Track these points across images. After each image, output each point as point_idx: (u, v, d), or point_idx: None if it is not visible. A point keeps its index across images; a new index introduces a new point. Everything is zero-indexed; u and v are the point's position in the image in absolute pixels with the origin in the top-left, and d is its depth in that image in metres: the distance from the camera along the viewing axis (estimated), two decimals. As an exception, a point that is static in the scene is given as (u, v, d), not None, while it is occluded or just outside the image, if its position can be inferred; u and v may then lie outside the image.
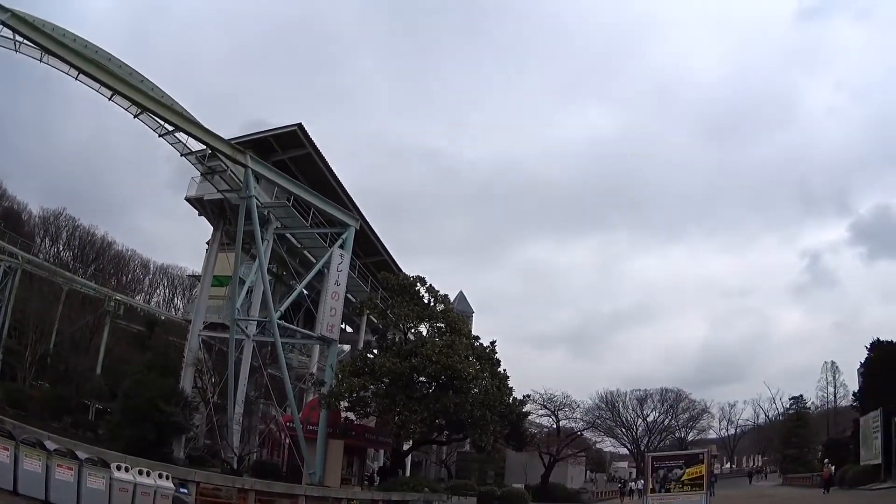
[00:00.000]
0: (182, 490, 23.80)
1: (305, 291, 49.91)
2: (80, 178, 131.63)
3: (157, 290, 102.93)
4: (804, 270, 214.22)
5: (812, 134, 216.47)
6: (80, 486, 19.96)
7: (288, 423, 45.65)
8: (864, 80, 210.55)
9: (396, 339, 46.07)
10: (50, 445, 20.41)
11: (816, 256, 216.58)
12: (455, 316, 47.75)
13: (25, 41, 35.18)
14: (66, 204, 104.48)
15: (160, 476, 22.60)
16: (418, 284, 46.94)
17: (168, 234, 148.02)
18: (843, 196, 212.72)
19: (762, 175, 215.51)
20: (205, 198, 48.99)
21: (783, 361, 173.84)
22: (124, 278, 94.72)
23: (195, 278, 68.77)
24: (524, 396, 53.54)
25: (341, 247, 46.13)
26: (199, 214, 50.89)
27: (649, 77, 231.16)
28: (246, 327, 45.78)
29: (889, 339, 60.48)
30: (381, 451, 58.69)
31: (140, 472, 21.87)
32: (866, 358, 62.81)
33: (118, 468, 21.31)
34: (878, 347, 61.18)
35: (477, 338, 48.60)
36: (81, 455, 20.88)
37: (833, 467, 59.93)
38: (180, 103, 42.66)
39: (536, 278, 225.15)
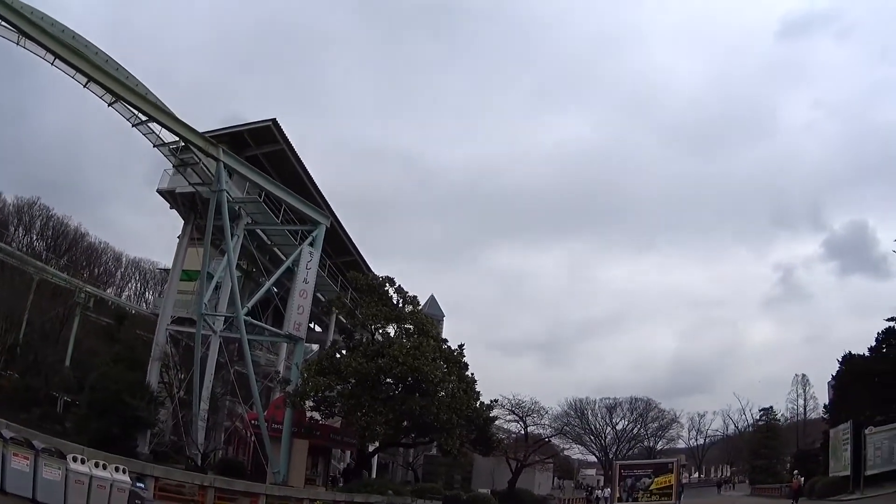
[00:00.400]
0: (139, 485, 23.47)
1: (275, 289, 49.48)
2: (55, 169, 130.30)
3: (129, 284, 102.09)
4: (777, 283, 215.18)
5: (789, 149, 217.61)
6: (35, 477, 19.68)
7: (253, 422, 45.38)
8: (842, 98, 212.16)
9: (364, 340, 45.90)
10: (6, 433, 20.12)
11: (789, 270, 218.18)
12: (423, 318, 47.58)
13: (2, 22, 34.68)
14: (40, 194, 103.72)
15: (116, 469, 22.29)
16: (387, 285, 46.77)
17: (142, 228, 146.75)
18: (817, 211, 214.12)
19: (737, 188, 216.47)
20: (176, 191, 48.55)
21: (753, 373, 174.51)
22: (96, 270, 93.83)
23: (166, 272, 68.29)
24: (491, 401, 53.50)
25: (311, 244, 45.83)
26: (171, 207, 50.50)
27: (628, 87, 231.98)
28: (213, 323, 45.33)
29: (861, 353, 60.76)
30: (348, 452, 58.39)
31: (97, 465, 21.57)
32: (838, 371, 63.10)
33: (74, 460, 21.01)
34: (849, 360, 61.44)
35: (445, 341, 48.49)
36: (38, 445, 20.58)
37: (802, 478, 60.19)
38: (157, 96, 42.20)
39: (508, 284, 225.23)
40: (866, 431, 50.32)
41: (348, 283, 50.90)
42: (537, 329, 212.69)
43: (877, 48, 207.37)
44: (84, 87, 38.02)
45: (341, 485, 48.73)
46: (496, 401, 57.69)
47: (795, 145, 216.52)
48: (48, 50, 35.05)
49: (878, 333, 59.17)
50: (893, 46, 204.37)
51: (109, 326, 67.79)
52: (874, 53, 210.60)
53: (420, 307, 49.17)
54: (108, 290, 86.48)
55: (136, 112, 40.55)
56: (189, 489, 27.98)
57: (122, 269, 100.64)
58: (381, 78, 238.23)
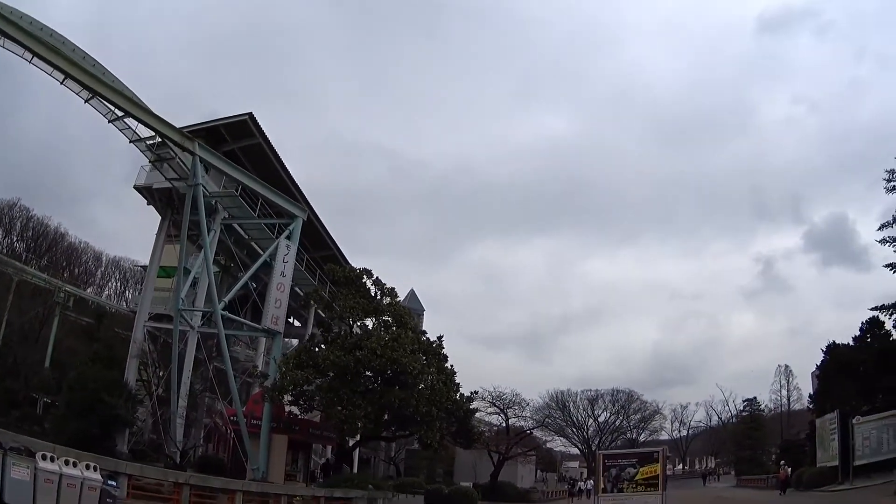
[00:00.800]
0: (110, 483, 23.03)
1: (253, 284, 49.14)
2: (34, 169, 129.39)
3: (109, 283, 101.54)
4: (757, 276, 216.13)
5: (769, 144, 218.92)
6: (3, 476, 19.19)
7: (231, 417, 45.01)
8: (821, 94, 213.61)
9: (341, 332, 45.55)
10: (-27, 433, 19.73)
11: (770, 263, 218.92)
12: (402, 309, 47.23)
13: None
14: (20, 195, 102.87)
15: (87, 467, 21.85)
16: (365, 277, 46.45)
17: (122, 226, 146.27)
18: (797, 204, 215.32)
19: (717, 182, 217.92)
20: (153, 186, 47.90)
21: (736, 365, 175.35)
22: (76, 270, 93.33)
23: (145, 270, 67.82)
24: (472, 392, 53.21)
25: (288, 237, 45.46)
26: (148, 204, 49.84)
27: (608, 83, 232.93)
28: (191, 318, 44.90)
29: (846, 342, 60.86)
30: (329, 448, 58.07)
31: (66, 463, 21.11)
32: (822, 360, 63.30)
33: (44, 458, 20.56)
34: (834, 350, 61.53)
35: (424, 332, 48.28)
36: (6, 443, 20.12)
37: (790, 469, 60.23)
38: (136, 94, 41.98)
39: (488, 278, 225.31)
40: (853, 421, 50.36)
41: (326, 277, 50.62)
42: (518, 323, 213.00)
43: (856, 45, 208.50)
44: (61, 83, 37.50)
45: (320, 480, 48.45)
46: (476, 392, 57.40)
47: (775, 140, 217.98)
48: (26, 48, 34.64)
49: (862, 323, 59.35)
50: (872, 43, 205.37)
51: (89, 326, 67.37)
52: (853, 50, 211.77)
53: (398, 299, 48.80)
54: (88, 290, 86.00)
55: (112, 108, 40.12)
56: (165, 487, 27.61)
57: (102, 269, 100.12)
58: (360, 74, 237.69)
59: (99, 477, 22.04)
